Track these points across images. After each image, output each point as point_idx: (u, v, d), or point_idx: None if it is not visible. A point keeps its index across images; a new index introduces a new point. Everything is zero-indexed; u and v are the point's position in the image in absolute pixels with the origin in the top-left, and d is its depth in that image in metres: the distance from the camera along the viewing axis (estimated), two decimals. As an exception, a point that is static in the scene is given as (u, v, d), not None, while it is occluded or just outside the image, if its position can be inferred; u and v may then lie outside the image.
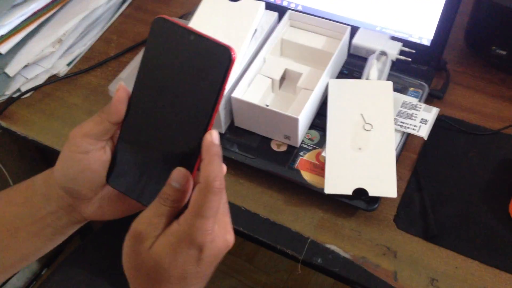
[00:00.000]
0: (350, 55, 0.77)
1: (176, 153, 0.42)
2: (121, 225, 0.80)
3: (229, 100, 0.66)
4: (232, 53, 0.39)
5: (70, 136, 0.42)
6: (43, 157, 1.10)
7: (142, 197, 0.43)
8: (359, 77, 0.72)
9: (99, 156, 0.43)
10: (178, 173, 0.39)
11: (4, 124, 0.77)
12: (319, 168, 0.64)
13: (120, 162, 0.44)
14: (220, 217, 0.40)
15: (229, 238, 0.41)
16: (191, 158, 0.41)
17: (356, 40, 0.75)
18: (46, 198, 0.46)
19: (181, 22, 0.40)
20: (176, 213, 0.40)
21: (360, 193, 0.60)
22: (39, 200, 0.46)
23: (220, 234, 0.40)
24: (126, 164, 0.43)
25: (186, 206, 0.40)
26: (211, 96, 0.40)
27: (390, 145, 0.63)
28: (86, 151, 0.42)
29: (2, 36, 0.74)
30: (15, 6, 0.75)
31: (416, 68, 0.74)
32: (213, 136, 0.39)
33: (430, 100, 0.72)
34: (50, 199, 0.46)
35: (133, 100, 0.42)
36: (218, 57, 0.39)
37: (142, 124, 0.42)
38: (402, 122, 0.66)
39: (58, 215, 0.46)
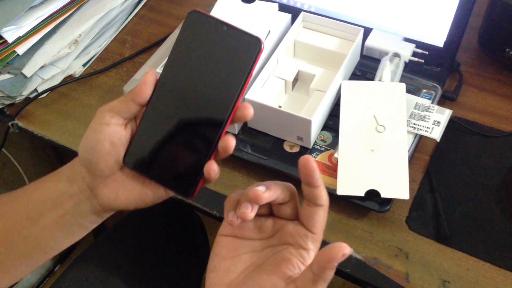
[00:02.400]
0: (363, 57, 0.77)
1: (196, 137, 0.44)
2: (134, 222, 0.81)
3: (243, 101, 0.67)
4: (262, 42, 0.42)
5: (97, 111, 0.45)
6: (58, 156, 1.11)
7: (157, 177, 0.45)
8: (372, 78, 0.73)
9: (119, 129, 0.44)
10: None
11: (21, 124, 0.78)
12: (332, 170, 0.64)
13: (138, 144, 0.45)
14: None
15: None
16: (210, 143, 0.43)
17: (369, 42, 0.75)
18: (70, 180, 0.47)
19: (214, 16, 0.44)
20: None
21: (372, 194, 0.61)
22: (63, 184, 0.48)
23: None
24: (144, 146, 0.45)
25: None
26: (238, 82, 0.43)
27: (402, 146, 0.63)
28: (107, 123, 0.44)
29: (20, 37, 0.75)
30: (32, 7, 0.76)
31: (429, 69, 0.74)
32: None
33: (443, 101, 0.72)
34: (73, 180, 0.47)
35: (159, 87, 0.44)
36: (248, 46, 0.42)
37: (165, 108, 0.44)
38: (414, 124, 0.66)
39: (78, 199, 0.47)
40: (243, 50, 0.42)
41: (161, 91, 0.44)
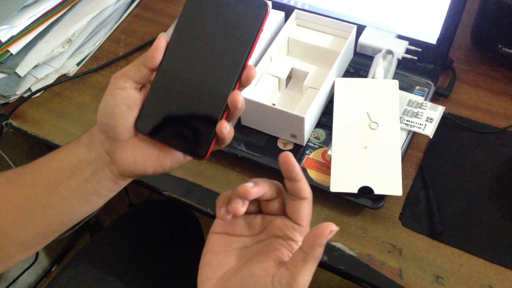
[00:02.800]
0: (357, 54, 0.77)
1: (206, 99, 0.45)
2: (130, 221, 0.81)
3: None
4: (268, 6, 0.43)
5: (111, 77, 0.46)
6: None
7: (169, 141, 0.46)
8: (365, 76, 0.73)
9: (134, 93, 0.46)
10: None
11: (15, 123, 0.78)
12: (325, 167, 0.65)
13: (148, 109, 0.46)
14: None
15: None
16: (221, 103, 0.44)
17: (363, 39, 0.75)
18: (88, 146, 0.48)
19: None
20: None
21: (365, 191, 0.61)
22: (81, 151, 0.48)
23: None
24: (154, 110, 0.46)
25: None
26: (246, 44, 0.43)
27: (395, 143, 0.63)
28: (122, 87, 0.45)
29: (13, 37, 0.75)
30: (25, 7, 0.76)
31: (422, 66, 0.74)
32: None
33: (436, 98, 0.73)
34: (91, 147, 0.48)
35: (169, 52, 0.45)
36: (256, 10, 0.43)
37: (174, 72, 0.45)
38: (407, 121, 0.66)
39: (97, 166, 0.48)
40: (250, 13, 0.43)
41: (170, 56, 0.45)
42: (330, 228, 0.41)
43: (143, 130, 0.46)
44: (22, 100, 0.79)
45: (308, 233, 0.42)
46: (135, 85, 0.46)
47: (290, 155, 0.44)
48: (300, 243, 0.46)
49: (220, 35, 0.44)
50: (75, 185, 0.48)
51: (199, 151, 0.45)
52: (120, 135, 0.46)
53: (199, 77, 0.45)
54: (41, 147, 1.07)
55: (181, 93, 0.45)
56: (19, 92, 0.79)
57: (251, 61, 0.67)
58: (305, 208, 0.45)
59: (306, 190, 0.45)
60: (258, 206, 0.49)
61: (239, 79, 0.44)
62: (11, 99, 0.79)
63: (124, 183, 0.50)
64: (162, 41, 0.45)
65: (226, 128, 0.44)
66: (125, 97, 0.45)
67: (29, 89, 0.80)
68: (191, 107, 0.45)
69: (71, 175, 0.48)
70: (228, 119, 0.45)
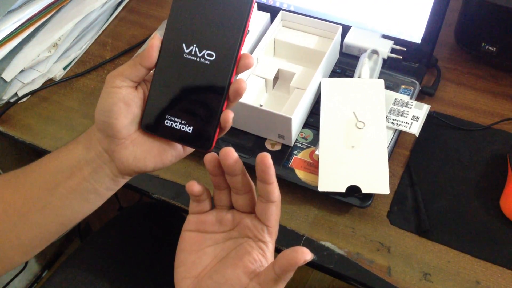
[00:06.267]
0: (343, 54, 0.78)
1: (206, 92, 0.46)
2: (120, 225, 0.81)
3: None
4: None
5: (107, 77, 0.47)
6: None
7: (176, 137, 0.47)
8: (351, 75, 0.73)
9: (131, 91, 0.46)
10: None
11: (1, 128, 0.78)
12: (313, 167, 0.65)
13: (152, 107, 0.47)
14: None
15: None
16: (220, 93, 0.45)
17: (348, 39, 0.76)
18: (86, 146, 0.48)
19: None
20: None
21: (353, 190, 0.61)
22: (80, 151, 0.48)
23: None
24: (158, 108, 0.47)
25: None
26: (237, 34, 0.45)
27: (382, 142, 0.64)
28: (119, 86, 0.46)
29: (-2, 41, 0.75)
30: (10, 11, 0.76)
31: (407, 65, 0.75)
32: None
33: (422, 97, 0.73)
34: (90, 146, 0.48)
35: (164, 49, 0.46)
36: (241, 1, 0.44)
37: (173, 69, 0.46)
38: (394, 119, 0.67)
39: (96, 165, 0.48)
40: (237, 5, 0.45)
41: (166, 53, 0.46)
42: (305, 257, 0.41)
43: (149, 129, 0.47)
44: (8, 105, 0.79)
45: (282, 255, 0.42)
46: (132, 84, 0.46)
47: (268, 157, 0.44)
48: (269, 244, 0.47)
49: (211, 27, 0.45)
50: (74, 184, 0.49)
51: (206, 143, 0.46)
52: (118, 133, 0.46)
53: (196, 71, 0.46)
54: (29, 152, 1.06)
55: (181, 88, 0.46)
56: (5, 97, 0.78)
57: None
58: (273, 210, 0.46)
59: (275, 194, 0.46)
60: (229, 201, 0.50)
61: (235, 68, 0.45)
62: (-3, 104, 0.79)
63: (123, 181, 0.51)
64: (156, 39, 0.46)
65: (231, 116, 0.46)
66: (123, 95, 0.46)
67: (16, 94, 0.80)
68: (193, 101, 0.46)
69: (69, 175, 0.48)
70: (227, 107, 0.47)
